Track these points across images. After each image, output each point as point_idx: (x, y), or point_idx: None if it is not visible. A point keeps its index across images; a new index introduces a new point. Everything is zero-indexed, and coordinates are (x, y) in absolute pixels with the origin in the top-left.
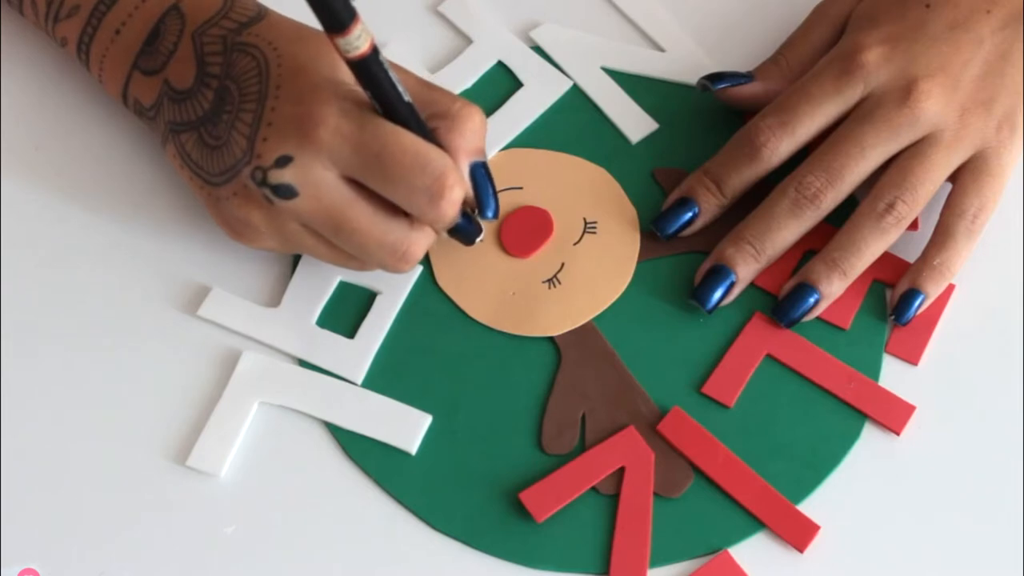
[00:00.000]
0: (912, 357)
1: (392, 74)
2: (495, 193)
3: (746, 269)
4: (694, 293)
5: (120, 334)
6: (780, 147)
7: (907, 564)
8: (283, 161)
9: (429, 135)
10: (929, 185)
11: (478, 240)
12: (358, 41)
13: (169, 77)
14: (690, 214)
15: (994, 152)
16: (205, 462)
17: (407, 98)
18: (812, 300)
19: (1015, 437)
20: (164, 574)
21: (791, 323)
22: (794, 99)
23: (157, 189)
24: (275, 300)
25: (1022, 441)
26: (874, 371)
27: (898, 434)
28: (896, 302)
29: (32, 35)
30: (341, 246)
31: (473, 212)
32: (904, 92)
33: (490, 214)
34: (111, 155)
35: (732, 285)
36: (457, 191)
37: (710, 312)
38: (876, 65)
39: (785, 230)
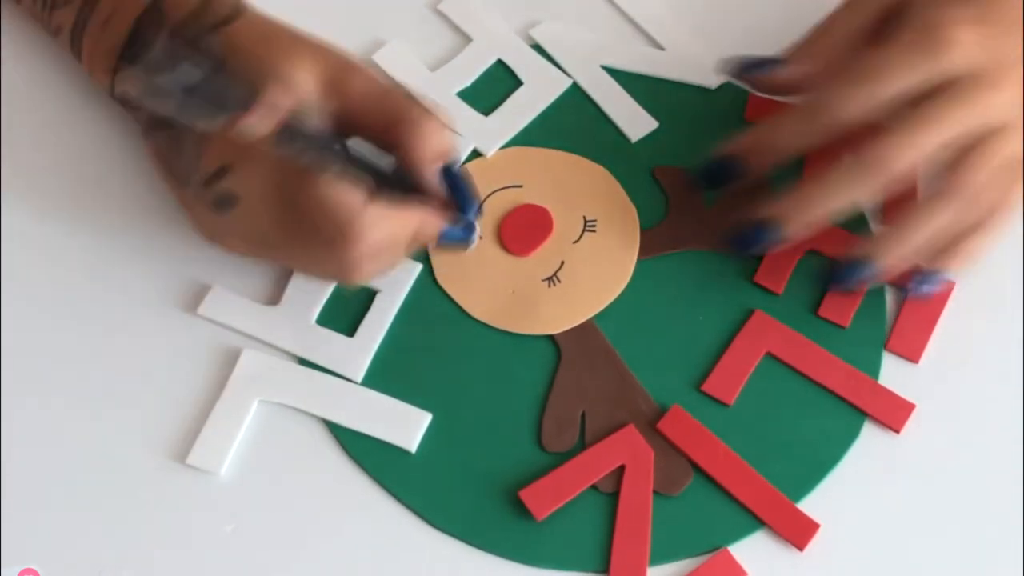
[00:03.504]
0: (912, 355)
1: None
2: (472, 192)
3: (798, 228)
4: (735, 239)
5: (120, 333)
6: (853, 109)
7: (907, 563)
8: (222, 172)
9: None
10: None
11: (472, 246)
12: (261, 125)
13: None
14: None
15: None
16: (205, 460)
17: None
18: (869, 271)
19: (1015, 436)
20: (164, 573)
21: (847, 288)
22: (872, 63)
23: (157, 187)
24: (275, 298)
25: (1022, 440)
26: (874, 369)
27: (898, 432)
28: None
29: (32, 32)
30: None
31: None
32: (991, 78)
33: (471, 215)
34: (110, 153)
35: (776, 240)
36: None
37: (745, 254)
38: (967, 44)
39: (841, 196)
